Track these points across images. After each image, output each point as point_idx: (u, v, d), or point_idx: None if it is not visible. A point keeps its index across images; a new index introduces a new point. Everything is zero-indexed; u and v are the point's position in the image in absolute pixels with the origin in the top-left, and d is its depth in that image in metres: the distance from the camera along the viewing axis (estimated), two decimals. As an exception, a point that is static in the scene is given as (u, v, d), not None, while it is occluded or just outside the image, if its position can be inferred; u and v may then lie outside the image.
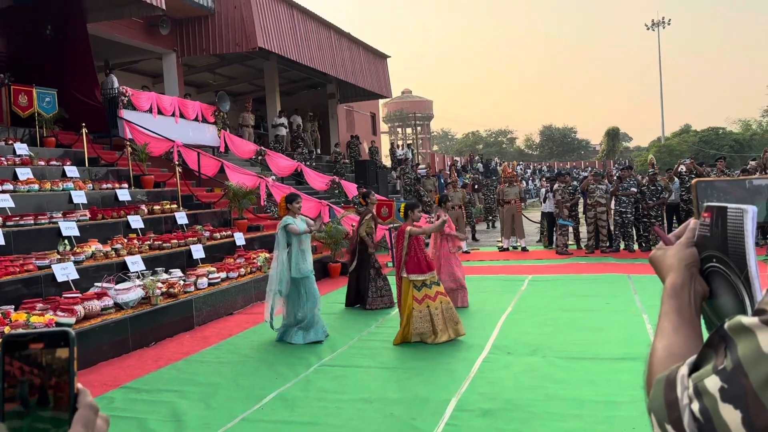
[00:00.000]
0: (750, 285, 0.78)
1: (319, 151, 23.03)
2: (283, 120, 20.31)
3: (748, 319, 0.66)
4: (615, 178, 13.83)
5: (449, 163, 32.58)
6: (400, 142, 40.87)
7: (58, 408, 0.67)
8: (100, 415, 0.70)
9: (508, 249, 14.39)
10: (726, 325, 0.68)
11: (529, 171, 38.43)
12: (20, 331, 0.70)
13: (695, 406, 0.68)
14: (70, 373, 0.68)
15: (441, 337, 6.46)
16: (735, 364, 0.65)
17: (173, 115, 14.33)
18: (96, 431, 0.68)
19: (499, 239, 16.10)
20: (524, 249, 14.23)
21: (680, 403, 0.70)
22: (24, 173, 9.53)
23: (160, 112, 13.95)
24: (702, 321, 0.87)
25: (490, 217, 19.53)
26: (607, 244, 12.95)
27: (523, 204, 15.34)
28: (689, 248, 0.89)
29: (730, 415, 0.64)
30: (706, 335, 0.75)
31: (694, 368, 0.71)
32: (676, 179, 13.62)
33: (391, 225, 13.48)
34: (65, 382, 0.68)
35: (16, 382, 0.66)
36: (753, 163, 13.67)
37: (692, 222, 0.90)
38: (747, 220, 0.79)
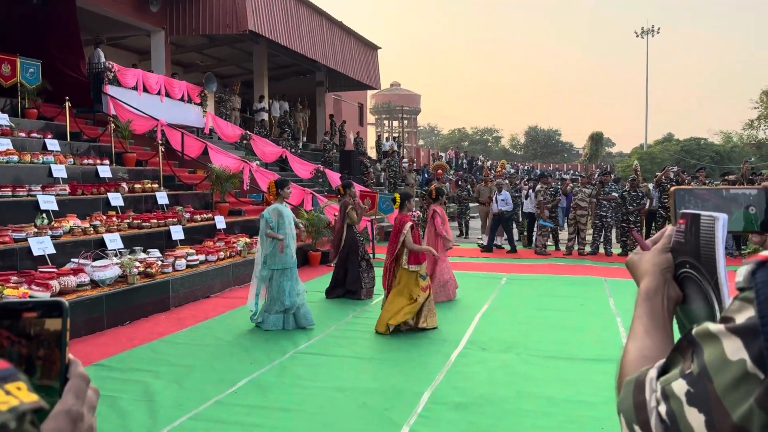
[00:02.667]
0: (719, 291, 0.79)
1: (305, 138, 22.92)
2: (264, 105, 20.18)
3: (714, 326, 0.67)
4: (597, 182, 13.97)
5: (435, 158, 32.62)
6: (386, 135, 40.68)
7: (47, 377, 0.67)
8: (90, 386, 0.70)
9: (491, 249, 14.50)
10: (694, 331, 0.69)
11: (512, 170, 38.59)
12: (14, 299, 0.71)
13: (662, 409, 0.69)
14: (62, 344, 0.68)
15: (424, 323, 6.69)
16: (701, 368, 0.66)
17: (159, 93, 14.16)
18: (87, 401, 0.69)
19: (479, 236, 16.22)
20: (500, 247, 14.30)
21: (648, 405, 0.71)
22: (3, 144, 9.37)
23: (145, 90, 13.78)
24: (675, 325, 0.89)
25: (463, 220, 17.33)
26: (588, 248, 13.09)
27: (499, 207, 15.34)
28: (664, 254, 0.90)
29: (695, 418, 0.65)
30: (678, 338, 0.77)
31: (663, 371, 0.73)
32: (651, 186, 13.81)
33: (374, 216, 13.50)
34: (55, 352, 0.68)
35: (3, 352, 0.66)
36: (732, 177, 13.87)
37: (669, 228, 0.91)
38: (718, 227, 0.80)
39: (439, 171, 16.03)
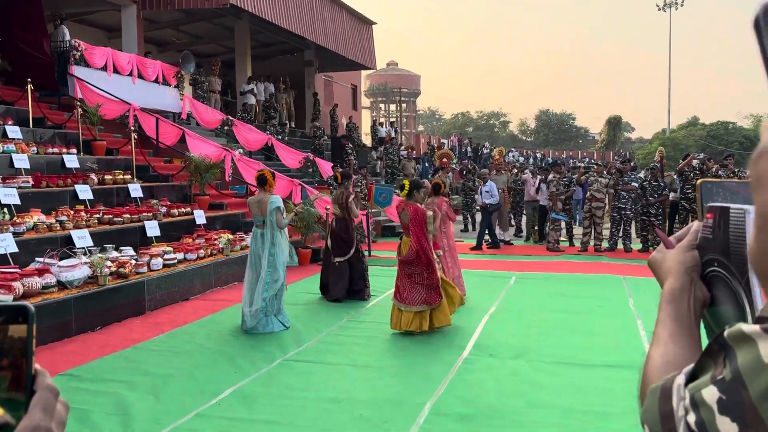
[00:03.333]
0: (751, 291, 0.78)
1: (293, 124, 22.89)
2: (253, 87, 20.15)
3: (749, 327, 0.67)
4: (614, 171, 13.99)
5: (436, 145, 32.61)
6: (382, 120, 40.69)
7: (12, 390, 0.66)
8: (59, 400, 0.69)
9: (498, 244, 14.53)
10: (726, 333, 0.69)
11: (521, 159, 38.61)
12: None
13: (691, 418, 0.69)
14: (28, 353, 0.67)
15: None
16: (734, 374, 0.66)
17: (131, 74, 14.12)
18: (55, 416, 0.68)
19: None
20: (508, 242, 14.40)
21: (676, 414, 0.71)
22: (-41, 131, 9.35)
23: (116, 71, 13.74)
24: (702, 329, 0.88)
25: (468, 213, 17.44)
26: (605, 244, 13.12)
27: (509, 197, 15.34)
28: (690, 251, 0.90)
29: (727, 428, 0.65)
30: (706, 344, 0.77)
31: (692, 378, 0.72)
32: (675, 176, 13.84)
33: (369, 210, 13.51)
34: (21, 362, 0.67)
35: None
36: None
37: (695, 224, 0.91)
38: (749, 221, 0.78)
39: (444, 160, 16.01)
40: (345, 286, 8.60)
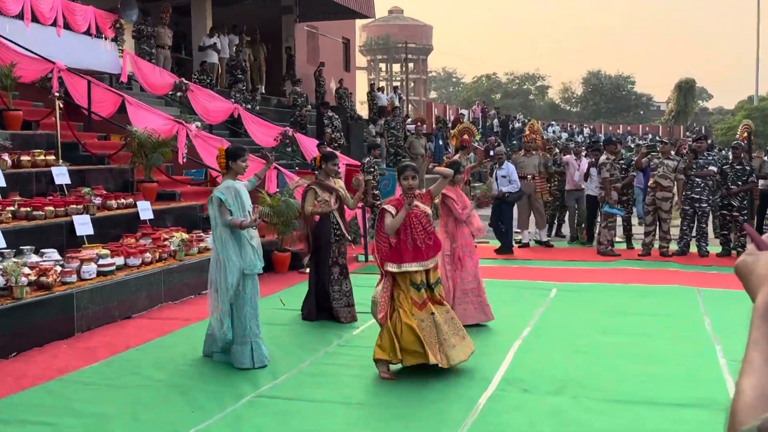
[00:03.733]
0: None
1: (263, 89, 22.85)
2: (215, 41, 20.09)
3: None
4: (686, 151, 13.99)
5: (453, 117, 32.64)
6: (383, 84, 40.68)
7: None
8: None
9: (528, 244, 14.50)
10: None
11: (564, 135, 38.66)
12: None
13: None
14: None
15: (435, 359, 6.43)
16: None
17: (55, 24, 14.08)
18: None
19: (517, 230, 16.19)
20: (547, 244, 14.40)
21: None
22: None
23: (35, 20, 13.70)
24: None
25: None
26: (674, 246, 13.14)
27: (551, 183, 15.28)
28: None
29: None
30: None
31: None
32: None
33: (377, 202, 13.50)
34: None
35: None
36: None
37: None
38: None
39: (465, 137, 15.90)
40: (313, 300, 8.68)
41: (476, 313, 8.33)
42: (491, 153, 19.31)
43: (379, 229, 6.61)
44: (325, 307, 8.66)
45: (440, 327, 6.44)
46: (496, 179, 13.77)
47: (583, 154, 15.54)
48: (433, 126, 30.41)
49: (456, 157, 15.08)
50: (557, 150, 17.70)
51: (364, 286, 9.54)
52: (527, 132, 16.25)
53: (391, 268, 6.46)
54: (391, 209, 6.50)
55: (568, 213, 15.58)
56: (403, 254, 6.45)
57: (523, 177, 14.32)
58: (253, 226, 6.91)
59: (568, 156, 15.45)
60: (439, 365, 6.33)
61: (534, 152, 14.72)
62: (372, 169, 14.58)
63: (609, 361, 6.88)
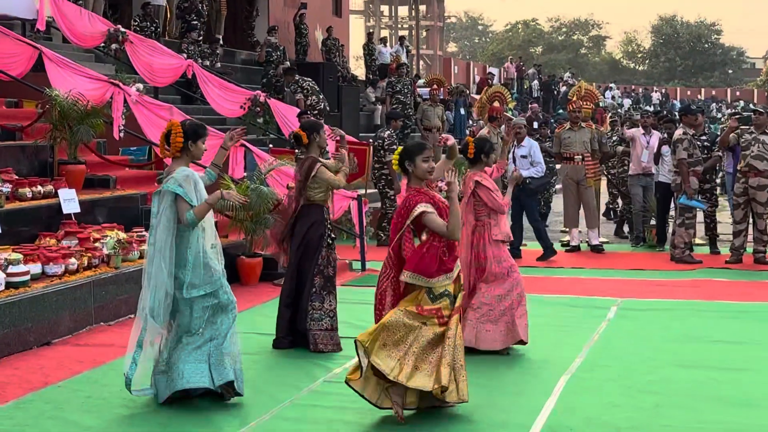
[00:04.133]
0: None
1: (221, 39, 22.74)
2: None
3: None
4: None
5: (479, 78, 32.60)
6: (385, 33, 40.65)
7: None
8: None
9: (578, 248, 14.42)
10: None
11: (627, 101, 38.70)
12: None
13: None
14: None
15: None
16: None
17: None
18: None
19: (564, 229, 16.12)
20: (598, 249, 14.40)
21: None
22: None
23: None
24: None
25: (545, 195, 17.67)
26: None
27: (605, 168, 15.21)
28: None
29: None
30: None
31: None
32: None
33: (363, 191, 13.45)
34: None
35: None
36: None
37: None
38: None
39: (496, 105, 15.70)
40: (285, 324, 8.73)
41: (498, 336, 8.32)
42: (538, 124, 19.20)
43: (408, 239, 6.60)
44: (301, 330, 8.66)
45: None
46: (514, 160, 13.71)
47: (655, 127, 15.42)
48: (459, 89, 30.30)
49: (484, 131, 15.00)
50: (617, 120, 17.62)
51: (358, 303, 9.45)
52: (573, 98, 16.18)
53: (418, 281, 6.46)
54: (430, 209, 6.46)
55: (632, 206, 15.46)
56: (432, 263, 6.46)
57: (569, 158, 14.29)
58: (238, 201, 7.05)
59: (633, 130, 15.37)
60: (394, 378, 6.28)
61: (584, 125, 14.63)
62: (394, 147, 14.52)
63: (687, 404, 6.87)
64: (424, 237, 6.64)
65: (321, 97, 18.87)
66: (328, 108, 18.90)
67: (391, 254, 6.67)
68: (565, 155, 14.36)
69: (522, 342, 8.36)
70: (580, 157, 14.28)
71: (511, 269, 8.55)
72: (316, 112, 17.61)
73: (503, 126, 15.01)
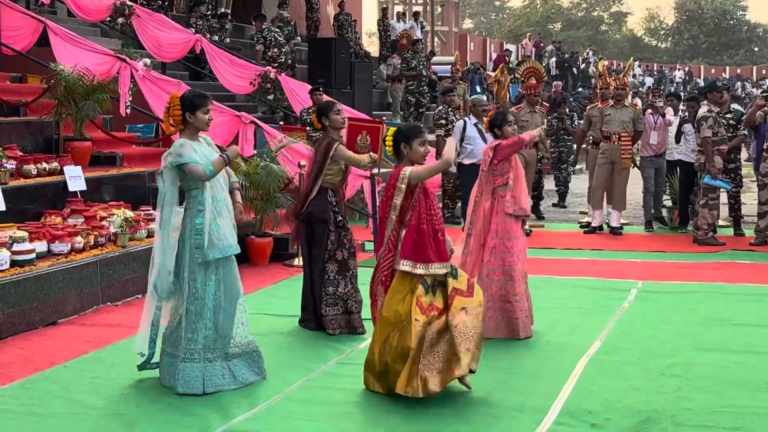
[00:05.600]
0: None
1: (229, 14, 22.71)
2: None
3: None
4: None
5: (496, 54, 32.43)
6: (399, 8, 40.53)
7: None
8: None
9: (600, 228, 14.39)
10: None
11: (649, 80, 38.46)
12: None
13: None
14: None
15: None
16: None
17: None
18: None
19: (584, 209, 16.08)
20: (617, 231, 14.40)
21: None
22: None
23: None
24: None
25: (561, 176, 18.95)
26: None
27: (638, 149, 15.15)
28: None
29: None
30: None
31: None
32: None
33: (376, 170, 13.42)
34: None
35: None
36: None
37: None
38: None
39: (533, 82, 15.50)
40: (311, 307, 8.76)
41: (496, 326, 8.29)
42: (559, 103, 19.08)
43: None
44: (318, 315, 8.71)
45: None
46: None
47: (677, 106, 15.36)
48: (470, 62, 30.14)
49: (513, 110, 14.89)
50: (638, 100, 17.56)
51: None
52: (602, 74, 16.11)
53: (411, 267, 6.56)
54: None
55: (643, 189, 15.38)
56: (426, 249, 6.53)
57: (607, 137, 14.20)
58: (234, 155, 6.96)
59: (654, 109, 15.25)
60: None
61: (627, 103, 14.64)
62: (441, 123, 14.56)
63: (711, 388, 6.85)
64: (409, 217, 6.64)
65: (285, 50, 18.81)
66: (290, 62, 18.83)
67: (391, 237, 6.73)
68: (604, 134, 14.28)
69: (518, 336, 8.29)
70: (617, 136, 14.24)
71: (516, 255, 8.44)
72: (276, 65, 17.54)
73: (537, 104, 15.03)
